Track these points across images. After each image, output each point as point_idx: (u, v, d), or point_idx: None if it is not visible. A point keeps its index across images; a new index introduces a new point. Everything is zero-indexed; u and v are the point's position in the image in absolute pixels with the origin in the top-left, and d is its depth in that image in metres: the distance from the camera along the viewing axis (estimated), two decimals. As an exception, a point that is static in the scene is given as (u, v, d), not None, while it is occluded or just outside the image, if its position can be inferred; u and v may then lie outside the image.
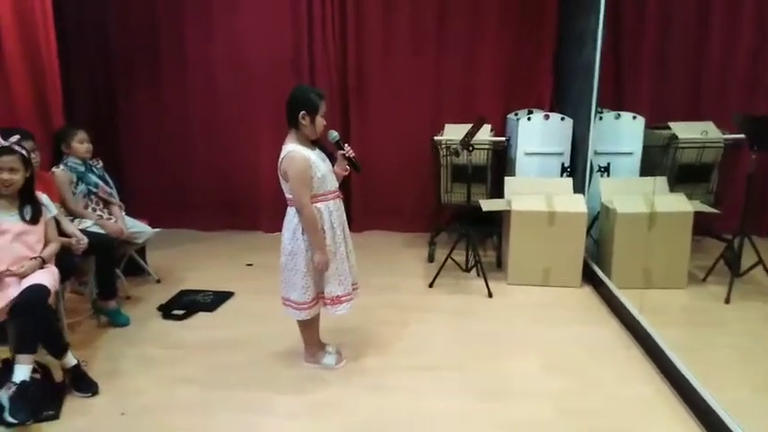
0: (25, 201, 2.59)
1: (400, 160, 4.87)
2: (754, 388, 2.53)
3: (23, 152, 2.56)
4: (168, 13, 4.82)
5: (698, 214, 3.41)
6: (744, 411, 2.16)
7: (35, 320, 2.39)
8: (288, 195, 2.57)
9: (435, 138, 4.25)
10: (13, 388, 2.29)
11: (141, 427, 2.35)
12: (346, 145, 2.68)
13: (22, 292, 2.41)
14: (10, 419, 2.23)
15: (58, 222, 2.83)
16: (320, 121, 2.53)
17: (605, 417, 2.40)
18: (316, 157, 2.54)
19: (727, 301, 3.16)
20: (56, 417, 2.39)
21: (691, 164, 3.64)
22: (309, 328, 2.78)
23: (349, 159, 2.67)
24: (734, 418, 2.13)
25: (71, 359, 2.58)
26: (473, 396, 2.55)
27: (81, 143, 3.37)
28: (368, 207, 5.02)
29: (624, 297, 3.30)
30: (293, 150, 2.48)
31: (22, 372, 2.34)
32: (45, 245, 2.66)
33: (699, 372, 2.44)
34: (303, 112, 2.47)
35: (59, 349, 2.56)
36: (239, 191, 5.09)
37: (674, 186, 3.66)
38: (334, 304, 2.65)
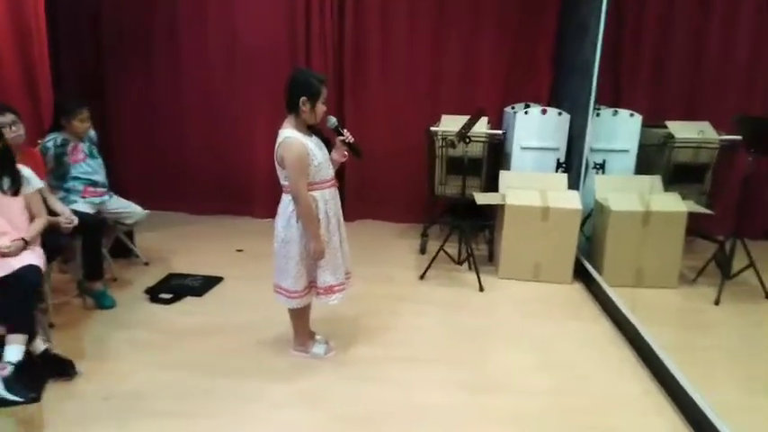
0: (2, 171, 2.54)
1: (395, 150, 4.82)
2: (741, 389, 2.56)
3: None
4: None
5: (688, 215, 3.42)
6: (731, 411, 2.17)
7: (31, 302, 2.38)
8: (283, 182, 2.51)
9: (431, 128, 4.21)
10: (10, 368, 2.28)
11: (125, 413, 2.31)
12: (345, 130, 2.61)
13: (17, 272, 2.39)
14: (12, 397, 2.21)
15: (45, 199, 2.76)
16: (320, 108, 2.47)
17: (593, 414, 2.40)
18: (313, 144, 2.49)
19: (717, 302, 3.18)
20: (37, 399, 2.33)
21: (686, 163, 3.65)
22: (300, 316, 2.74)
23: (349, 145, 2.60)
24: (721, 418, 2.14)
25: (40, 344, 2.53)
26: (462, 389, 2.54)
27: (82, 122, 3.28)
28: (361, 196, 4.98)
29: (615, 295, 3.30)
30: (291, 137, 2.41)
31: (17, 351, 2.33)
32: (31, 219, 2.60)
33: (687, 372, 2.45)
34: (304, 97, 2.41)
35: (31, 334, 2.49)
36: (232, 175, 5.02)
37: (668, 186, 3.67)
38: (327, 294, 2.62)
